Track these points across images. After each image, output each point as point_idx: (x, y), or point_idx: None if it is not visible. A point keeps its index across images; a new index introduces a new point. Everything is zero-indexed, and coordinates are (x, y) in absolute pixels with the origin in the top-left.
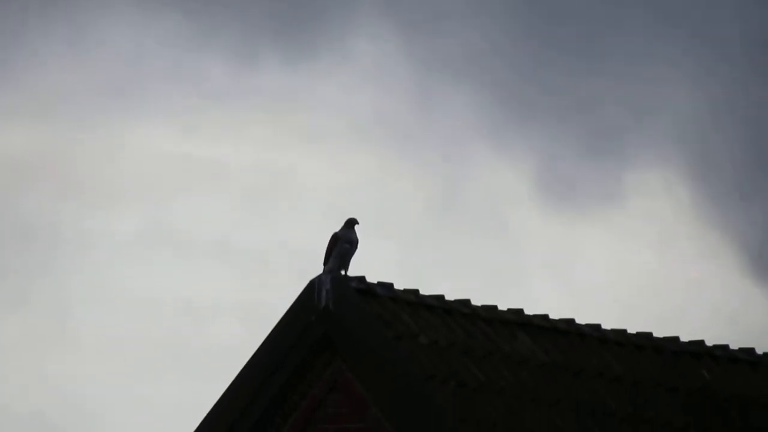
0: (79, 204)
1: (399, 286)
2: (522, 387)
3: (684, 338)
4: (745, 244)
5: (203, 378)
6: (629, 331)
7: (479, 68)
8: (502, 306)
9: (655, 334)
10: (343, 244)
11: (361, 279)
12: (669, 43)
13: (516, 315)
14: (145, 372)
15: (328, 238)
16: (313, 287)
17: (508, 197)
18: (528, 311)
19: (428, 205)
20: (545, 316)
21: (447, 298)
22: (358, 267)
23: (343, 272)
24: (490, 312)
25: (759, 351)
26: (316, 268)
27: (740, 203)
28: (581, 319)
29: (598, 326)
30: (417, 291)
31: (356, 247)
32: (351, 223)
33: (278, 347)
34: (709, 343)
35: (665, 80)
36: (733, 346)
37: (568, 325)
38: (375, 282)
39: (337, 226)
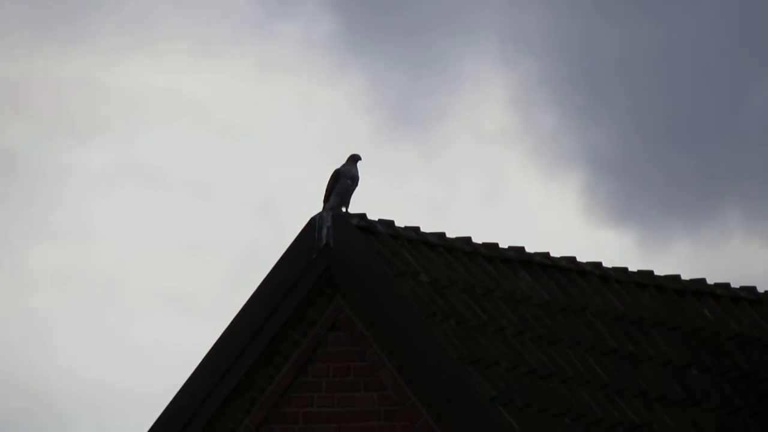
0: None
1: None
2: (523, 325)
3: (685, 277)
4: None
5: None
6: (630, 269)
7: None
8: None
9: (656, 273)
10: (345, 180)
11: (362, 216)
12: None
13: (517, 253)
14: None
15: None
16: (313, 225)
17: None
18: None
19: None
20: (546, 254)
21: (448, 235)
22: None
23: (344, 209)
24: (491, 250)
25: (760, 290)
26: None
27: None
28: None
29: (599, 264)
30: (418, 228)
31: (357, 184)
32: (354, 159)
33: (279, 285)
34: (710, 281)
35: None
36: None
37: (569, 263)
38: (376, 219)
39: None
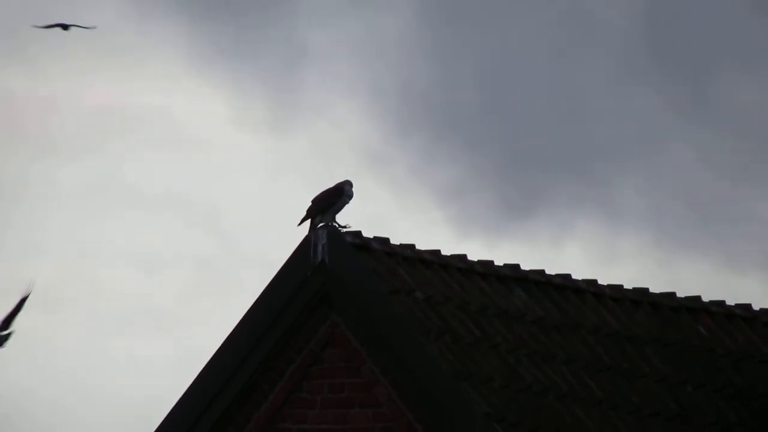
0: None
1: None
2: (517, 342)
3: (681, 294)
4: None
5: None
6: (625, 286)
7: None
8: (498, 262)
9: (651, 290)
10: (345, 199)
11: (357, 234)
12: None
13: (512, 270)
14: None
15: (329, 189)
16: (309, 242)
17: None
18: None
19: None
20: (541, 272)
21: (443, 253)
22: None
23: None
24: (486, 267)
25: (755, 307)
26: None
27: None
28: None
29: (594, 282)
30: (413, 246)
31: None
32: (350, 183)
33: (274, 302)
34: (705, 299)
35: None
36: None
37: (564, 281)
38: (371, 237)
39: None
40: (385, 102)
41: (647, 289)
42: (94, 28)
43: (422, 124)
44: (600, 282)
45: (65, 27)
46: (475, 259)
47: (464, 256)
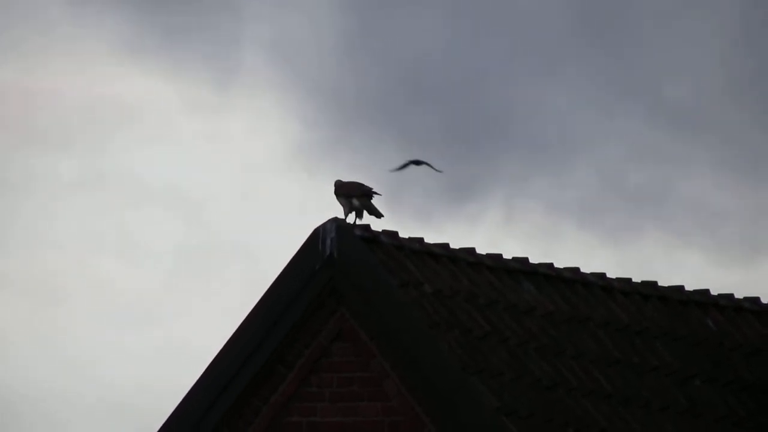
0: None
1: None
2: (527, 336)
3: (689, 288)
4: None
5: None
6: (634, 280)
7: None
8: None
9: (660, 283)
10: (371, 202)
11: (366, 227)
12: None
13: (521, 264)
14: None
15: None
16: (317, 235)
17: None
18: None
19: None
20: (550, 265)
21: (452, 246)
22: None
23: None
24: (495, 260)
25: (764, 300)
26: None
27: None
28: None
29: (603, 275)
30: (422, 239)
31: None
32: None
33: (282, 295)
34: (714, 292)
35: None
36: None
37: (573, 274)
38: (380, 230)
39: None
40: (322, 94)
41: (656, 282)
42: (441, 172)
43: (355, 113)
44: (608, 275)
45: (418, 163)
46: (484, 253)
47: (473, 250)
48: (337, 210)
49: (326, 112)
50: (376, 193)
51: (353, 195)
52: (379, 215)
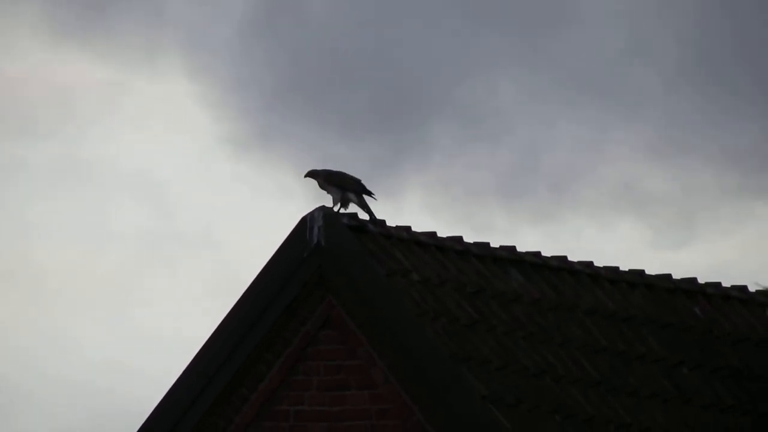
0: None
1: None
2: (514, 324)
3: (677, 276)
4: None
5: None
6: (621, 268)
7: None
8: (494, 243)
9: (647, 272)
10: (365, 201)
11: (354, 216)
12: None
13: (508, 252)
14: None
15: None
16: (305, 223)
17: None
18: None
19: None
20: (537, 253)
21: (439, 235)
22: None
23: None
24: (482, 249)
25: (751, 289)
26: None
27: None
28: None
29: (590, 263)
30: (409, 228)
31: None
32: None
33: (270, 283)
34: (701, 281)
35: None
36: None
37: (560, 263)
38: (367, 218)
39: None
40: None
41: (643, 270)
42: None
43: (275, 101)
44: (596, 264)
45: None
46: (471, 241)
47: (460, 238)
48: (321, 198)
49: (249, 101)
50: (371, 195)
51: (349, 189)
52: (372, 216)
